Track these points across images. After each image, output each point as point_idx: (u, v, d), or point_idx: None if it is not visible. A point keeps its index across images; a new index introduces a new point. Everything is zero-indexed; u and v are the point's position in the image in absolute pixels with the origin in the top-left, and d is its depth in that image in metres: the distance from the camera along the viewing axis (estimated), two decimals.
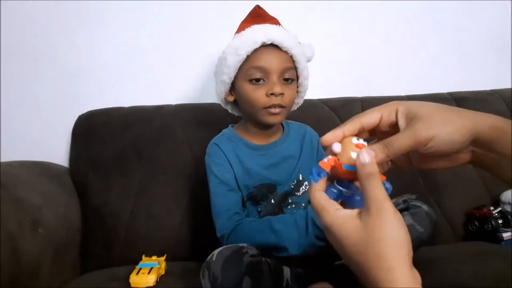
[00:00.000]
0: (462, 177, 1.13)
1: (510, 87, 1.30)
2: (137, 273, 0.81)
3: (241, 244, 0.70)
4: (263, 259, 0.68)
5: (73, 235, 0.99)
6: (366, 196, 0.38)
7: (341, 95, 1.23)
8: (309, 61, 0.87)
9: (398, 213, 0.38)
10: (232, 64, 0.80)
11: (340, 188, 0.41)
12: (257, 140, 0.88)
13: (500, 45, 1.37)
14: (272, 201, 0.86)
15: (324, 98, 1.21)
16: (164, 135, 1.11)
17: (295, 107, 0.93)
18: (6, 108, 1.18)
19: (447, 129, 0.41)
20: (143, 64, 1.22)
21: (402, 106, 0.43)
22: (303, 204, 0.89)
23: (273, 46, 0.79)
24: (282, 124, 0.93)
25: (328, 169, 0.40)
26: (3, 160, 1.02)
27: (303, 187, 0.89)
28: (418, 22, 1.33)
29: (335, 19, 1.29)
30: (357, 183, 0.41)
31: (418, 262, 0.83)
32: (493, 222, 1.01)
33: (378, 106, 0.45)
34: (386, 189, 0.39)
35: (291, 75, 0.82)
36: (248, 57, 0.79)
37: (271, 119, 0.82)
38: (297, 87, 0.86)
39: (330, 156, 0.41)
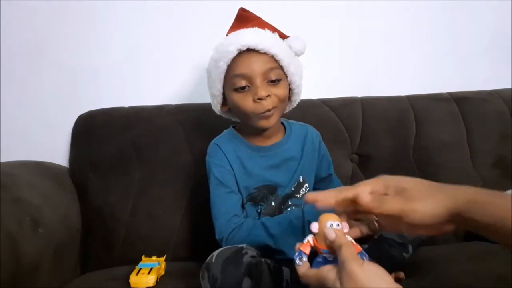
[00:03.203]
0: (462, 177, 1.13)
1: (510, 87, 1.30)
2: (137, 274, 0.81)
3: (240, 245, 0.70)
4: (263, 260, 0.68)
5: (73, 235, 0.99)
6: (339, 261, 0.46)
7: (341, 95, 1.23)
8: (300, 54, 0.85)
9: (368, 264, 0.45)
10: (216, 77, 0.80)
11: (324, 255, 0.50)
12: (257, 141, 0.88)
13: (500, 45, 1.37)
14: (273, 203, 0.86)
15: (324, 98, 1.21)
16: (164, 135, 1.11)
17: (294, 104, 0.91)
18: (6, 108, 1.18)
19: (429, 206, 0.47)
20: (143, 64, 1.22)
21: (392, 182, 0.50)
22: (303, 206, 0.88)
23: (251, 50, 0.78)
24: (283, 124, 0.93)
25: (308, 252, 0.50)
26: (3, 160, 1.02)
27: (304, 189, 0.89)
28: (418, 22, 1.33)
29: (335, 19, 1.29)
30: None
31: (418, 262, 0.83)
32: None
33: (369, 180, 0.52)
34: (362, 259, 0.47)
35: (277, 75, 0.80)
36: (228, 66, 0.78)
37: (265, 123, 0.81)
38: (289, 84, 0.84)
39: (309, 236, 0.51)
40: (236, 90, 0.79)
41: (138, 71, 1.22)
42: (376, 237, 0.75)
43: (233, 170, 0.85)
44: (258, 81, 0.78)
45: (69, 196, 1.04)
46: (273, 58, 0.79)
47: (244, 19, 0.83)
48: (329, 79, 1.29)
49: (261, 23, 0.83)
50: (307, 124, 0.96)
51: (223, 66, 0.78)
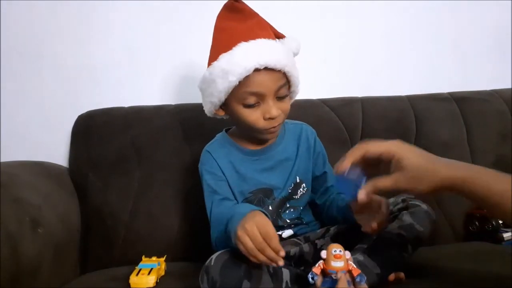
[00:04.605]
0: None
1: (510, 87, 1.30)
2: (137, 274, 0.81)
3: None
4: None
5: (72, 235, 0.99)
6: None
7: (341, 95, 1.23)
8: (295, 55, 0.83)
9: None
10: (223, 89, 0.75)
11: (331, 275, 0.61)
12: (251, 146, 0.87)
13: (500, 45, 1.37)
14: (270, 207, 0.85)
15: (324, 98, 1.21)
16: (164, 135, 1.11)
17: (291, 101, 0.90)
18: (6, 108, 1.18)
19: (422, 185, 0.58)
20: (143, 64, 1.23)
21: (398, 155, 0.60)
22: (301, 207, 0.88)
23: (266, 68, 0.74)
24: None
25: (319, 273, 0.62)
26: (3, 160, 1.02)
27: (301, 189, 0.88)
28: (418, 22, 1.33)
29: (335, 19, 1.29)
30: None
31: (418, 262, 0.83)
32: (494, 222, 1.01)
33: (383, 143, 0.62)
34: (360, 281, 0.60)
35: (285, 91, 0.78)
36: (240, 81, 0.74)
37: (269, 137, 0.83)
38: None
39: (320, 261, 0.62)
40: (245, 106, 0.77)
41: (138, 71, 1.22)
42: (374, 237, 0.75)
43: (225, 176, 0.85)
44: (270, 100, 0.76)
45: (69, 196, 1.04)
46: (284, 74, 0.77)
47: (240, 12, 0.79)
48: (329, 79, 1.29)
49: (261, 22, 0.80)
50: (302, 122, 0.94)
51: (235, 81, 0.73)
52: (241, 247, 0.61)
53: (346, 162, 0.62)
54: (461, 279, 0.75)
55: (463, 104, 1.21)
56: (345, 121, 1.16)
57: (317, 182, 0.92)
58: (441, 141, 1.16)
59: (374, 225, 0.67)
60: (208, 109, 0.84)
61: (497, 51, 1.37)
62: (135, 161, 1.08)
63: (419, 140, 1.15)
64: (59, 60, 1.19)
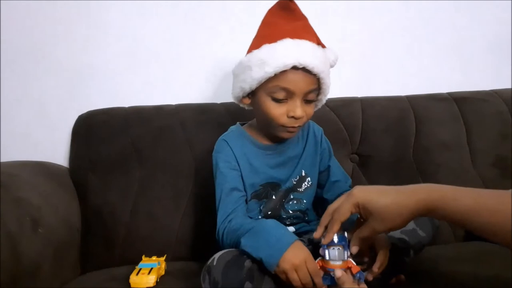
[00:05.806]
0: (462, 177, 1.13)
1: (510, 87, 1.30)
2: (137, 274, 0.81)
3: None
4: None
5: (73, 235, 0.99)
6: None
7: (341, 95, 1.23)
8: (331, 66, 0.84)
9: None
10: (257, 78, 0.76)
11: (330, 273, 0.64)
12: (264, 140, 0.89)
13: (500, 45, 1.37)
14: (274, 197, 0.87)
15: None
16: (164, 135, 1.11)
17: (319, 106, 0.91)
18: (6, 108, 1.18)
19: (396, 222, 0.59)
20: (143, 64, 1.22)
21: (362, 204, 0.61)
22: (304, 201, 0.89)
23: (304, 68, 0.75)
24: None
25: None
26: (3, 160, 1.02)
27: (306, 183, 0.89)
28: (418, 22, 1.33)
29: (335, 19, 1.29)
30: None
31: (418, 262, 0.83)
32: None
33: (346, 201, 0.63)
34: (359, 278, 0.62)
35: (313, 96, 0.80)
36: (275, 74, 0.75)
37: (287, 135, 0.83)
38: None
39: (319, 258, 0.65)
40: (273, 99, 0.78)
41: (139, 71, 1.22)
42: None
43: (239, 166, 0.85)
44: (298, 100, 0.77)
45: (69, 196, 1.04)
46: (318, 80, 0.78)
47: (292, 11, 0.79)
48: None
49: (307, 26, 0.81)
50: (309, 120, 0.95)
51: (271, 74, 0.75)
52: (283, 277, 0.64)
53: (330, 236, 0.64)
54: (461, 279, 0.75)
55: (463, 104, 1.21)
56: (345, 121, 1.16)
57: (322, 176, 0.94)
58: (440, 141, 1.16)
59: (374, 274, 0.67)
60: (236, 94, 0.85)
61: (497, 51, 1.36)
62: (135, 161, 1.08)
63: (419, 140, 1.16)
64: (59, 60, 1.19)
